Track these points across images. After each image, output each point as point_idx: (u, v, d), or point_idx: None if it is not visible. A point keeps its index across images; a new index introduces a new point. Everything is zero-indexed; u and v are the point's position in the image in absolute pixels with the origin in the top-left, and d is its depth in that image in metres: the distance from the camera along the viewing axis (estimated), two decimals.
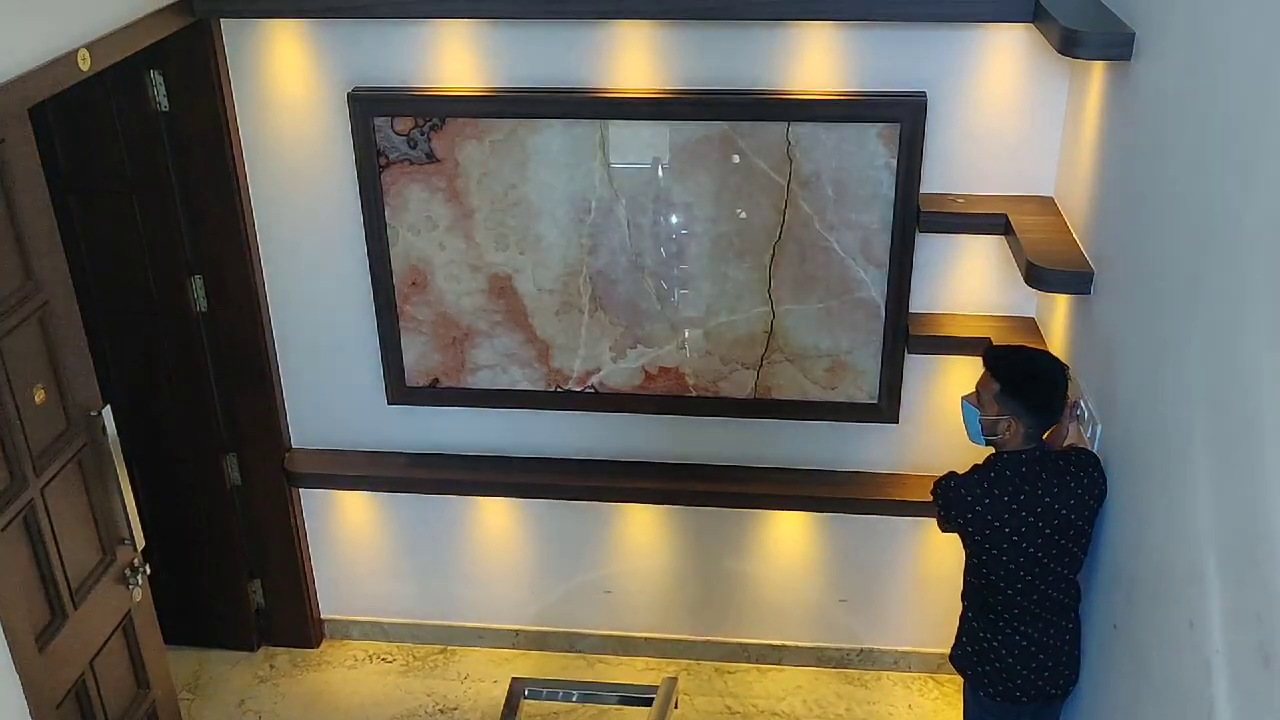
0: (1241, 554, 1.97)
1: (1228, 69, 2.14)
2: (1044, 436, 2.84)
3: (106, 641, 3.08)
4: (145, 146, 3.48)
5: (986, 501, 2.72)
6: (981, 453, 2.85)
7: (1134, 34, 2.64)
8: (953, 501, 2.79)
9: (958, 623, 2.98)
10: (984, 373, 2.80)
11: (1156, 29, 2.54)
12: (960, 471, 2.83)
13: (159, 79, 3.40)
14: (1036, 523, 2.68)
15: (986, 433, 2.78)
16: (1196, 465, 2.18)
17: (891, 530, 3.82)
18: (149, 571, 3.25)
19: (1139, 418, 2.54)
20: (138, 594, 3.21)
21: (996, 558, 2.74)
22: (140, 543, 3.19)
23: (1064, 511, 2.68)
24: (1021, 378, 2.73)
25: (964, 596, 2.94)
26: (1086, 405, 2.89)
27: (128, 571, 3.15)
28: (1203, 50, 2.27)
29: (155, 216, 3.57)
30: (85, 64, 2.74)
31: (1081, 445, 2.88)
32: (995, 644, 2.83)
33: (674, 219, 3.43)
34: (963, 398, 2.86)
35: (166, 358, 3.78)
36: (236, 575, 4.12)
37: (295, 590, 4.17)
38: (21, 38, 2.57)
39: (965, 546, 2.83)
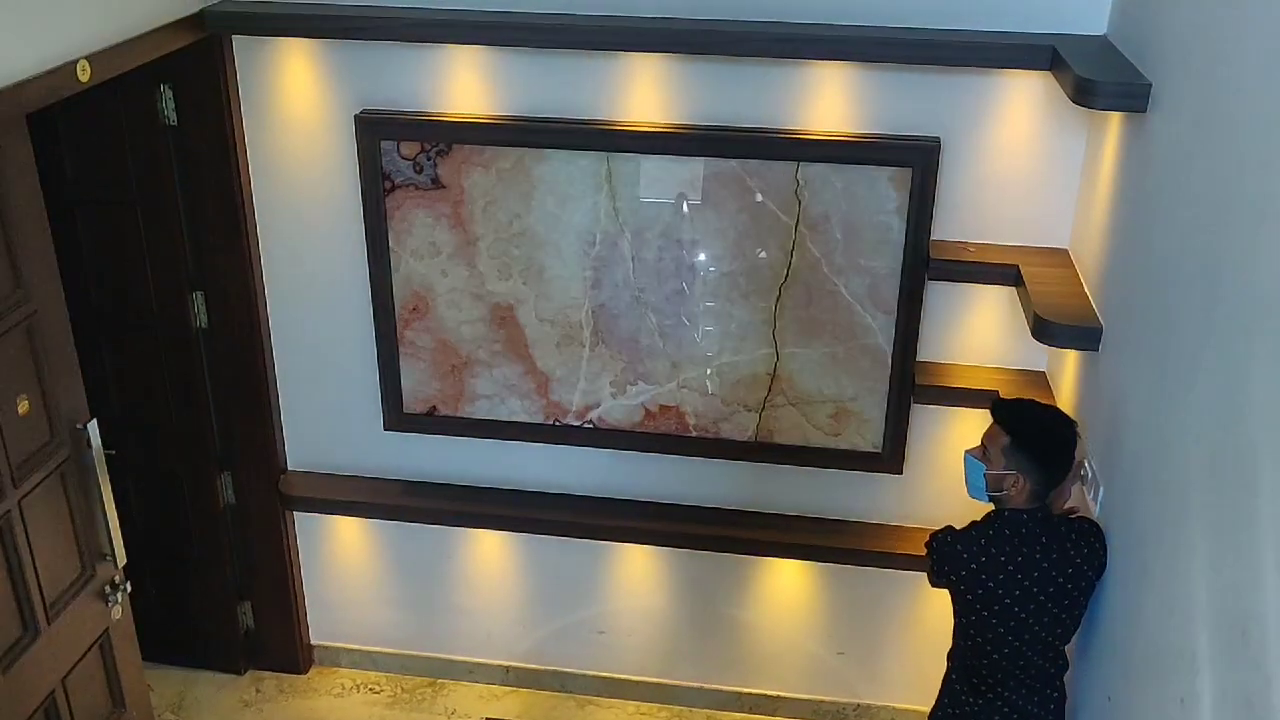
0: (1235, 632, 1.87)
1: (1242, 123, 2.06)
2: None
3: (81, 659, 3.03)
4: (152, 160, 3.47)
5: (982, 560, 2.62)
6: (984, 509, 2.75)
7: (1150, 85, 2.56)
8: (946, 557, 2.69)
9: (941, 682, 2.88)
10: (991, 425, 2.69)
11: (1172, 81, 2.46)
12: (959, 527, 2.73)
13: (169, 93, 3.39)
14: (1031, 588, 2.58)
15: (991, 489, 2.67)
16: (1193, 536, 2.09)
17: (892, 583, 3.71)
18: (130, 589, 3.20)
19: (1141, 483, 2.45)
20: (117, 611, 3.17)
21: (986, 619, 2.64)
22: (122, 559, 3.14)
23: (1060, 579, 2.58)
24: (1033, 431, 2.63)
25: (949, 656, 2.83)
26: (1091, 466, 2.79)
27: (108, 588, 3.11)
28: (1217, 103, 2.19)
29: (159, 231, 3.56)
30: (85, 75, 2.72)
31: (1083, 507, 2.78)
32: (976, 708, 2.72)
33: (679, 256, 3.37)
34: (966, 452, 2.75)
35: (165, 373, 3.75)
36: (226, 596, 4.07)
37: (285, 614, 4.12)
38: (20, 45, 2.55)
39: (955, 605, 2.73)
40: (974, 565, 2.63)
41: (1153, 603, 2.30)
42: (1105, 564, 2.59)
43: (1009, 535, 2.61)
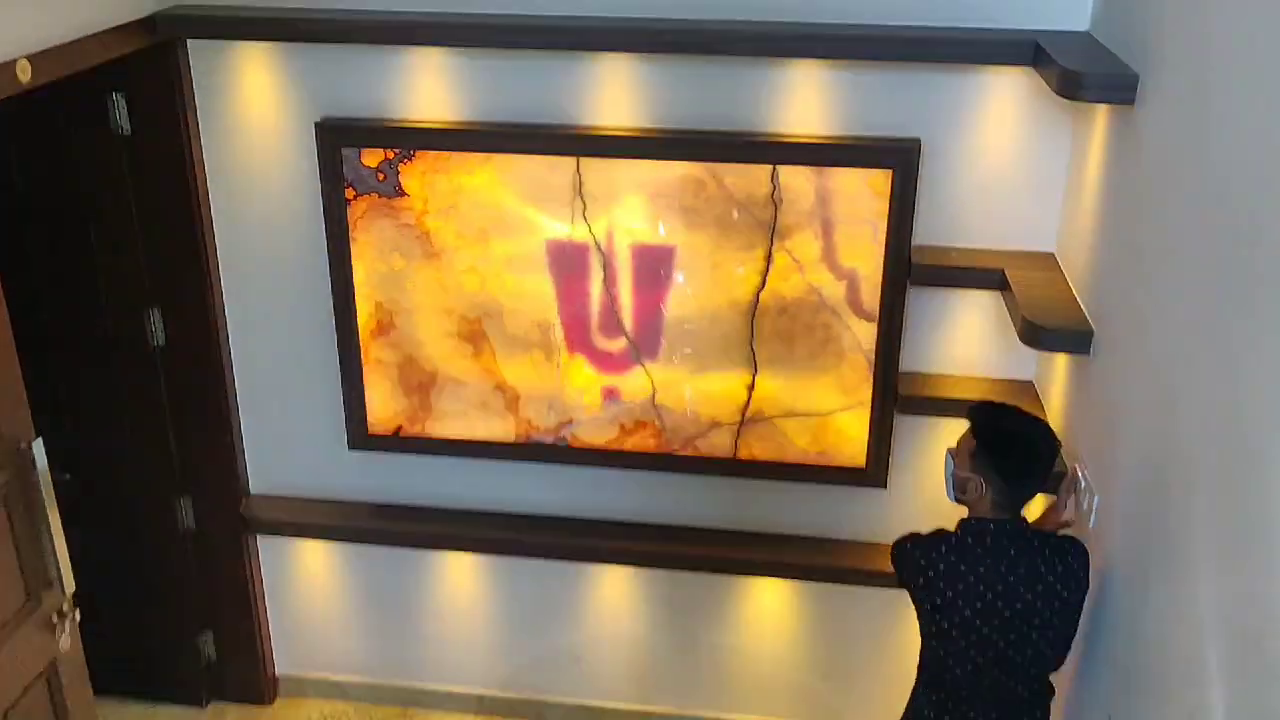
0: (1247, 644, 1.75)
1: (1237, 112, 1.97)
2: (1040, 514, 2.62)
3: (25, 692, 2.87)
4: (105, 171, 3.34)
5: (941, 568, 2.49)
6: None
7: (1138, 76, 2.47)
8: (904, 563, 2.57)
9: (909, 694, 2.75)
10: (967, 426, 2.60)
11: (1161, 71, 2.37)
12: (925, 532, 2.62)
13: (121, 101, 3.26)
14: (995, 602, 2.44)
15: (956, 490, 2.55)
16: (1200, 544, 1.97)
17: (879, 603, 3.58)
18: (79, 618, 3.04)
19: (1139, 490, 2.33)
20: (65, 642, 3.00)
21: (946, 631, 2.51)
22: (70, 586, 2.99)
23: (1029, 596, 2.43)
24: (995, 437, 2.49)
25: (919, 664, 2.69)
26: (1084, 474, 2.68)
27: (55, 617, 2.94)
28: (1209, 93, 2.10)
29: (113, 245, 3.43)
30: (25, 75, 2.59)
31: (1077, 516, 2.67)
32: None
33: (653, 263, 3.25)
34: (948, 448, 2.65)
35: (121, 393, 3.61)
36: (187, 626, 3.91)
37: (248, 643, 3.96)
38: None
39: (917, 615, 2.60)
40: (931, 573, 2.51)
41: (1155, 614, 2.18)
42: (1084, 584, 2.46)
43: (971, 545, 2.48)
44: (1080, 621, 2.50)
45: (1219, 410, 1.93)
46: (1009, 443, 2.50)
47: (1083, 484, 2.68)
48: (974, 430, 2.53)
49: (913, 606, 2.62)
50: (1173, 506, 2.12)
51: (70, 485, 3.73)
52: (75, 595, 3.03)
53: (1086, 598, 2.48)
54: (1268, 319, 1.76)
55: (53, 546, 2.91)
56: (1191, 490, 2.03)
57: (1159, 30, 2.40)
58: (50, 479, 2.88)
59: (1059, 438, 2.59)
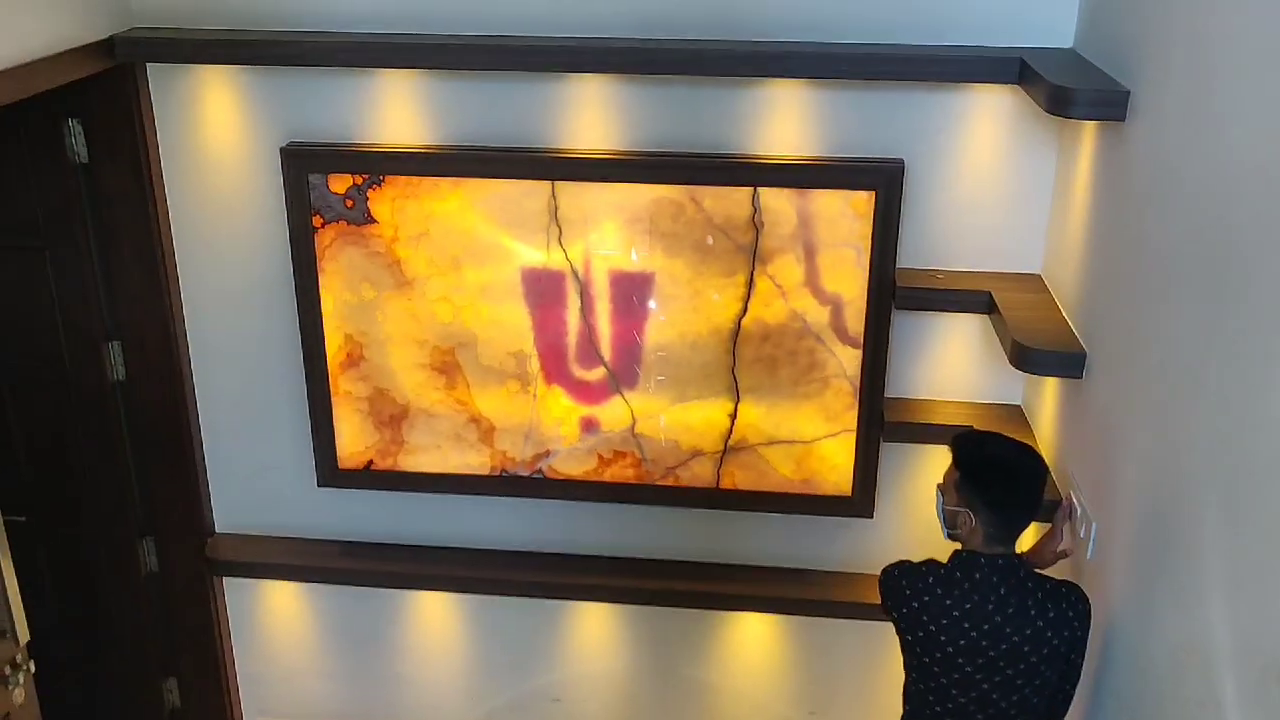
0: (1267, 675, 1.66)
1: (1232, 129, 1.90)
2: (1036, 544, 2.53)
3: None
4: (61, 200, 3.22)
5: (925, 599, 2.39)
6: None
7: (1128, 92, 2.41)
8: (889, 590, 2.47)
9: None
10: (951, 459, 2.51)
11: (1153, 86, 2.31)
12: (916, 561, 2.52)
13: (78, 128, 3.15)
14: (980, 640, 2.34)
15: (947, 525, 2.46)
16: (1210, 572, 1.89)
17: (866, 636, 3.48)
18: (33, 669, 2.90)
19: (1140, 516, 2.25)
20: (19, 695, 2.86)
21: (928, 666, 2.41)
22: (24, 636, 2.85)
23: (1016, 639, 2.32)
24: (979, 466, 2.39)
25: (905, 699, 2.59)
26: (1080, 502, 2.60)
27: (8, 669, 2.80)
28: (1204, 109, 2.03)
29: (71, 276, 3.30)
30: None
31: (1075, 547, 2.58)
32: None
33: (630, 290, 3.16)
34: (937, 484, 2.56)
35: (79, 430, 3.47)
36: (149, 673, 3.77)
37: (214, 689, 3.81)
38: None
39: (901, 646, 2.51)
40: (915, 604, 2.41)
41: (1165, 648, 2.09)
42: (1080, 634, 2.35)
43: (959, 579, 2.39)
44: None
45: (1222, 430, 1.86)
46: (992, 470, 2.41)
47: (1078, 511, 2.60)
48: (956, 461, 2.45)
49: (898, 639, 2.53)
50: (1178, 533, 2.04)
51: (25, 528, 3.60)
52: (29, 645, 2.89)
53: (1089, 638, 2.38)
54: (1269, 336, 1.69)
55: (4, 594, 2.77)
56: (1197, 515, 1.94)
57: (1148, 45, 2.34)
58: (2, 521, 2.75)
59: (1046, 462, 2.51)
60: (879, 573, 2.55)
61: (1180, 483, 2.04)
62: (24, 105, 2.86)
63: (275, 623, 3.78)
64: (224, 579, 3.71)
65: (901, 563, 2.52)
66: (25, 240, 3.27)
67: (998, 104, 2.94)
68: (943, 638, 2.37)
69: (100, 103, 3.11)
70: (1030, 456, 2.46)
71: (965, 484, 2.40)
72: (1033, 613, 2.33)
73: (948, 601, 2.37)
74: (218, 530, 3.66)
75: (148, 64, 3.11)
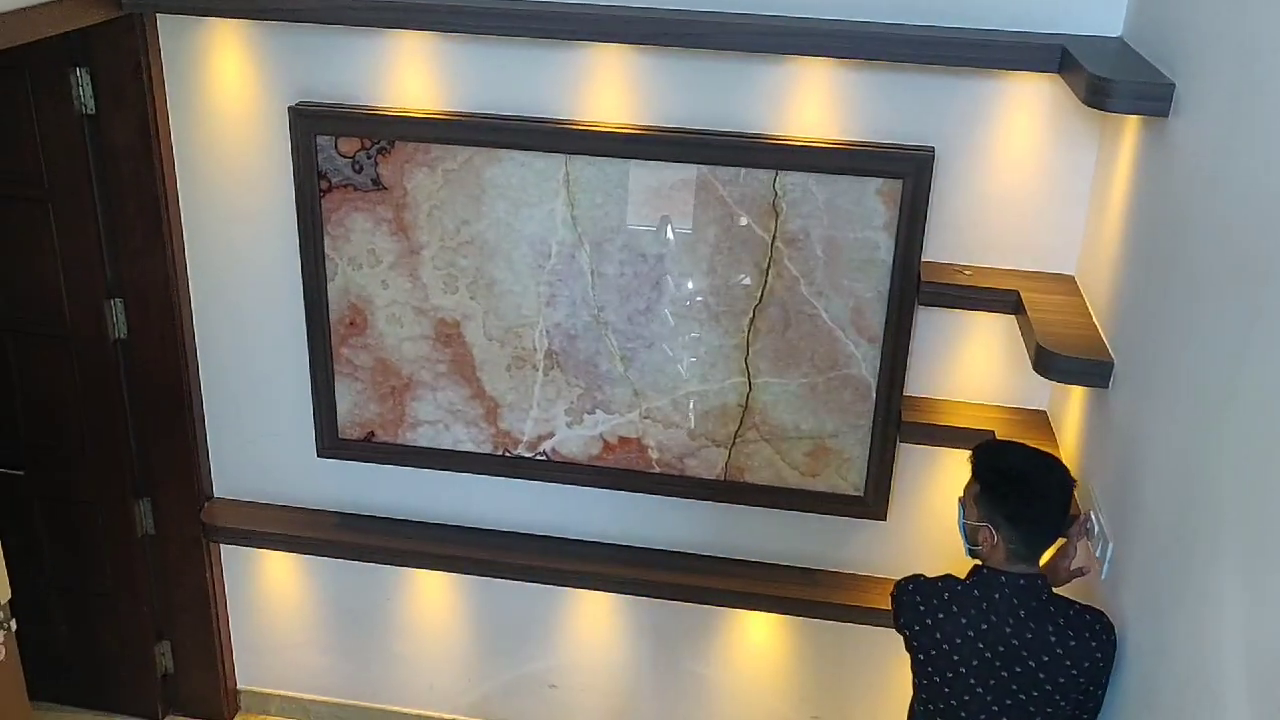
0: None
1: None
2: (1048, 561, 2.39)
3: None
4: (66, 152, 3.15)
5: (940, 616, 2.28)
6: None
7: (1173, 85, 2.25)
8: (903, 606, 2.36)
9: None
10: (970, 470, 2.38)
11: (1199, 80, 2.15)
12: (933, 575, 2.40)
13: (85, 78, 3.07)
14: (994, 661, 2.22)
15: (969, 541, 2.33)
16: (1231, 603, 1.75)
17: (873, 641, 3.36)
18: (14, 627, 2.85)
19: (1161, 537, 2.11)
20: (0, 652, 2.81)
21: (939, 686, 2.29)
22: (4, 594, 2.80)
23: (1032, 664, 2.20)
24: (1000, 480, 2.28)
25: (909, 715, 2.47)
26: (1098, 518, 2.46)
27: None
28: (1254, 106, 1.88)
29: (73, 230, 3.23)
30: None
31: (1090, 566, 2.44)
32: None
33: (643, 271, 3.04)
34: (959, 497, 2.43)
35: (78, 387, 3.41)
36: (143, 635, 3.71)
37: (208, 656, 3.75)
38: None
39: (911, 663, 2.38)
40: (929, 620, 2.30)
41: (1177, 680, 1.95)
42: (1104, 666, 2.21)
43: (978, 597, 2.26)
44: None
45: (1253, 453, 1.71)
46: (1012, 483, 2.28)
47: (1095, 529, 2.46)
48: (975, 473, 2.32)
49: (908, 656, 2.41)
50: (1199, 558, 1.89)
51: (22, 484, 3.55)
52: (11, 603, 2.84)
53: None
54: None
55: None
56: (1220, 543, 1.80)
57: (1196, 36, 2.18)
58: None
59: (1071, 474, 2.37)
60: (891, 580, 2.44)
61: (1204, 507, 1.90)
62: (31, 52, 2.79)
63: (271, 591, 3.72)
64: (220, 545, 3.65)
65: (916, 577, 2.41)
66: (29, 191, 3.20)
67: (1036, 94, 2.78)
68: (955, 658, 2.26)
69: (108, 52, 3.03)
70: (1054, 468, 2.34)
71: (985, 498, 2.28)
72: (1053, 639, 2.20)
73: (963, 620, 2.25)
74: (215, 495, 3.60)
75: (157, 15, 3.01)
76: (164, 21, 3.05)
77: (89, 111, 3.11)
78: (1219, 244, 1.96)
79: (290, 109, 3.02)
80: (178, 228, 3.25)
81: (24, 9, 2.58)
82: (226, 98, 3.10)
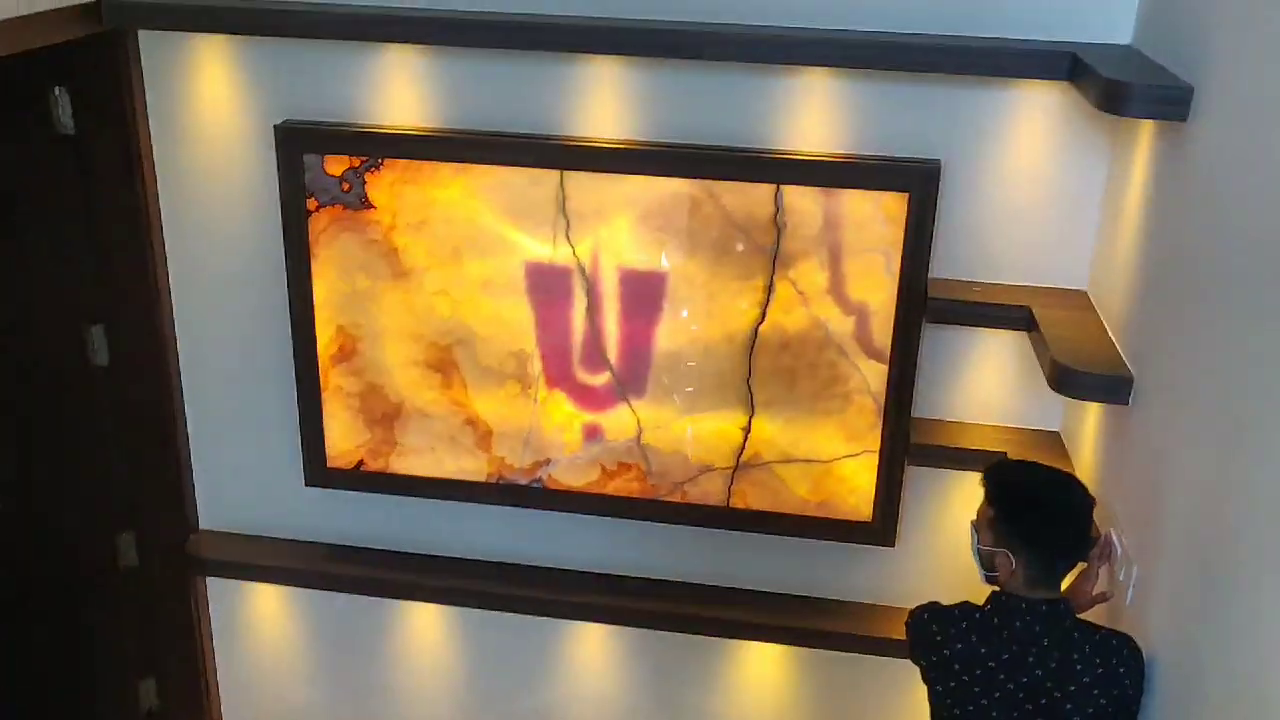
0: None
1: None
2: (1068, 586, 2.29)
3: None
4: (45, 173, 3.07)
5: (958, 647, 2.17)
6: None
7: (1191, 89, 2.17)
8: (920, 636, 2.25)
9: None
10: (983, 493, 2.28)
11: (1219, 84, 2.07)
12: (949, 603, 2.29)
13: (64, 97, 2.99)
14: (1016, 693, 2.11)
15: (984, 567, 2.23)
16: (1265, 626, 1.64)
17: (882, 673, 3.25)
18: None
19: (1189, 560, 2.00)
20: None
21: (958, 719, 2.18)
22: None
23: (1057, 695, 2.09)
24: (1015, 501, 2.18)
25: None
26: (1119, 541, 2.35)
27: None
28: (1277, 108, 1.79)
29: (53, 254, 3.15)
30: None
31: (1112, 590, 2.34)
32: None
33: (641, 290, 2.95)
34: (971, 521, 2.33)
35: (59, 416, 3.32)
36: (127, 672, 3.61)
37: (194, 693, 3.64)
38: None
39: (929, 696, 2.27)
40: (947, 651, 2.19)
41: (1208, 712, 1.84)
42: (1134, 694, 2.11)
43: (998, 625, 2.16)
44: None
45: None
46: (1028, 503, 2.19)
47: (1118, 551, 2.35)
48: (989, 496, 2.22)
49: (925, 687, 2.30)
50: (1233, 579, 1.79)
51: (1, 517, 3.45)
52: None
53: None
54: None
55: None
56: (1254, 562, 1.70)
57: (1215, 37, 2.10)
58: None
59: (1090, 493, 2.27)
60: (900, 608, 2.34)
61: (1235, 526, 1.80)
62: (8, 69, 2.71)
63: (259, 626, 3.61)
64: (206, 578, 3.54)
65: (932, 605, 2.31)
66: (7, 214, 3.12)
67: (1045, 103, 2.70)
68: (976, 689, 2.15)
69: (89, 71, 2.96)
70: (1071, 486, 2.25)
71: (1001, 521, 2.19)
72: (1078, 667, 2.10)
73: (983, 650, 2.15)
74: (201, 527, 3.49)
75: (139, 31, 2.94)
76: (146, 38, 2.97)
77: (69, 132, 3.03)
78: (1244, 250, 1.87)
79: (276, 127, 2.94)
80: (161, 251, 3.16)
81: (1, 21, 2.50)
82: (211, 116, 3.02)
